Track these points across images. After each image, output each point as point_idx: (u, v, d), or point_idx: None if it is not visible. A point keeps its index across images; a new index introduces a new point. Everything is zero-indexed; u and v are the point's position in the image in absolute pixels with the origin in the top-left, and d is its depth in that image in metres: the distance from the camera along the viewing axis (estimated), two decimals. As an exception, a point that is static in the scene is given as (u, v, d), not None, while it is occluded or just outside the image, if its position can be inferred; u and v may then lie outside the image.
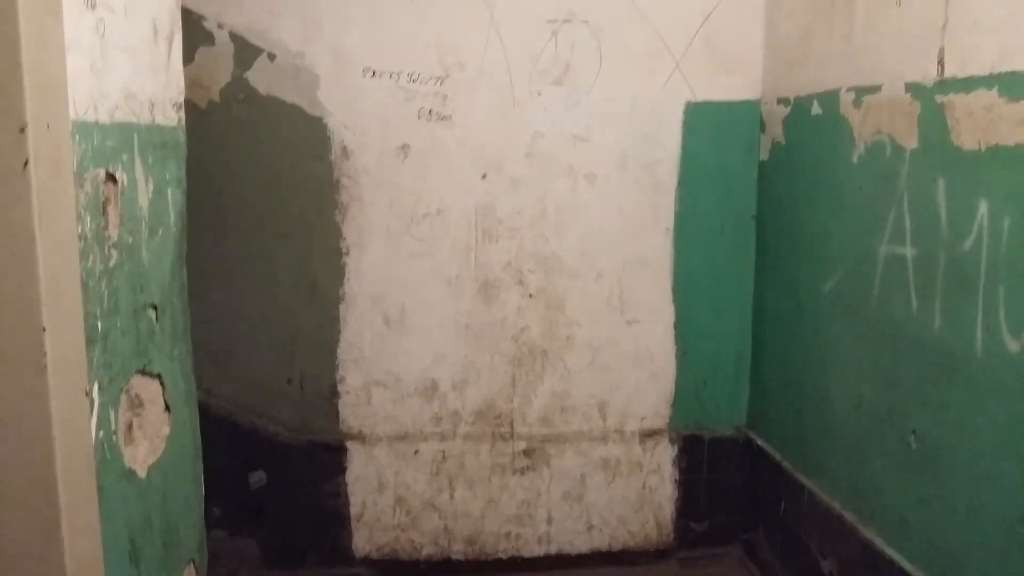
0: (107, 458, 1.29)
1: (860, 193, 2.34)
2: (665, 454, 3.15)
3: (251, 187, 2.85)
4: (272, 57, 2.81)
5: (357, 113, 2.87)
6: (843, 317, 2.45)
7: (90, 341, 1.21)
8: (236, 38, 2.78)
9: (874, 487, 2.28)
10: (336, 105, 2.86)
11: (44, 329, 1.01)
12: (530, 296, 3.03)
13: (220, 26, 2.76)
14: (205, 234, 2.56)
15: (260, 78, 2.82)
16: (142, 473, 1.43)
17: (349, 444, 3.01)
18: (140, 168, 1.40)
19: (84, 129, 1.21)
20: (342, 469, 3.01)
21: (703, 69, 2.97)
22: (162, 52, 1.52)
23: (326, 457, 3.00)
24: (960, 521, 1.92)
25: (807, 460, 2.69)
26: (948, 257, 1.96)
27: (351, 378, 2.99)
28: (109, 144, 1.29)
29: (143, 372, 1.42)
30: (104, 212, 1.28)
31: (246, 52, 2.79)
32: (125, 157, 1.35)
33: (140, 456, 1.39)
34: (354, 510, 3.03)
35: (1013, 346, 1.76)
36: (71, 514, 1.08)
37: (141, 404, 1.40)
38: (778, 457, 2.89)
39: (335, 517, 3.02)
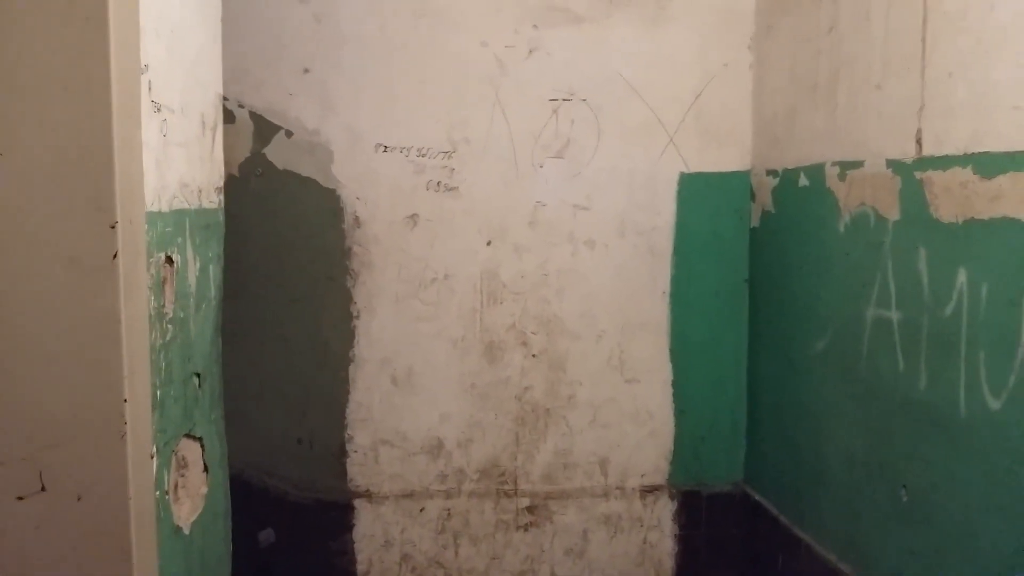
0: (161, 516, 1.38)
1: (847, 260, 2.50)
2: (665, 509, 3.24)
3: (267, 255, 2.98)
4: (289, 134, 2.97)
5: (369, 185, 3.02)
6: (834, 377, 2.58)
7: (152, 409, 1.32)
8: (256, 117, 2.95)
9: (868, 539, 2.38)
10: (349, 178, 3.02)
11: (125, 401, 1.12)
12: (533, 356, 3.15)
13: (241, 105, 2.93)
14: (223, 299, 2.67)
15: (277, 153, 2.97)
16: (186, 530, 1.52)
17: (356, 502, 3.08)
18: (190, 249, 1.52)
19: (151, 219, 1.34)
20: (349, 527, 3.08)
21: (695, 143, 3.16)
22: (208, 142, 1.66)
23: (334, 515, 3.07)
24: (950, 572, 2.03)
25: (803, 514, 2.79)
26: (931, 321, 2.10)
27: (359, 437, 3.08)
28: (168, 230, 1.42)
29: (188, 435, 1.52)
30: (163, 291, 1.40)
31: (265, 129, 2.95)
32: (179, 240, 1.47)
33: (184, 514, 1.49)
34: (361, 567, 3.09)
35: (994, 405, 1.89)
36: (139, 570, 1.17)
37: (185, 465, 1.50)
38: (775, 512, 2.99)
39: (342, 574, 3.07)
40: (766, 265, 3.10)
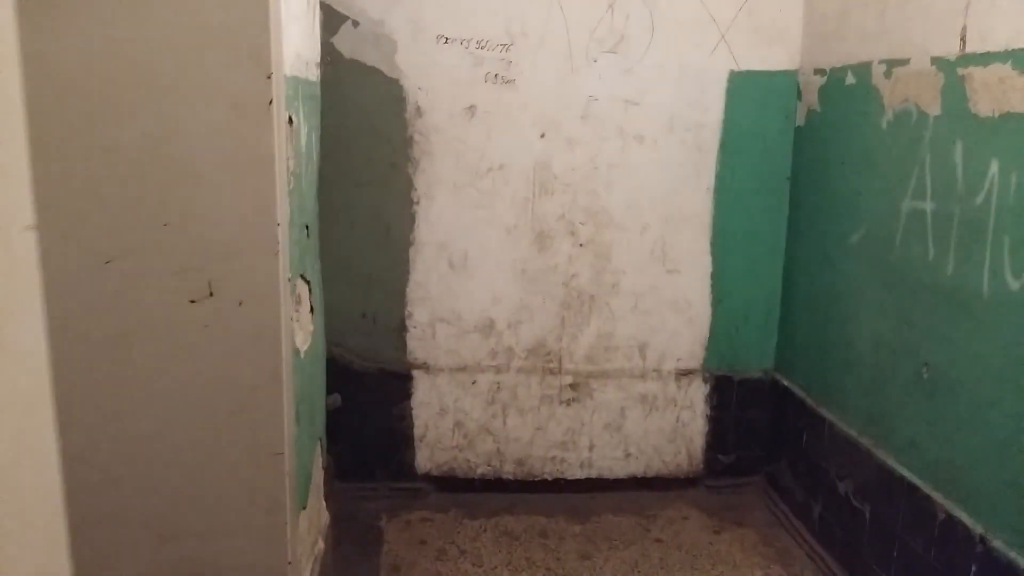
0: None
1: (887, 155, 2.63)
2: (698, 392, 3.48)
3: (335, 141, 3.16)
4: (356, 24, 3.11)
5: (430, 76, 3.17)
6: (867, 266, 2.75)
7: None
8: (324, 6, 3.08)
9: (888, 415, 2.60)
10: (411, 68, 3.16)
11: (279, 224, 1.33)
12: (580, 246, 3.34)
13: (312, -7, 3.06)
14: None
15: (345, 43, 3.12)
16: (302, 355, 1.76)
17: (415, 373, 3.35)
18: (302, 113, 1.71)
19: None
20: (408, 395, 3.36)
21: (746, 41, 3.25)
22: (311, 19, 1.83)
23: (394, 384, 3.35)
24: (963, 439, 2.24)
25: (829, 395, 3.01)
26: (963, 210, 2.25)
27: (418, 314, 3.33)
28: (289, 93, 1.61)
29: (301, 276, 1.74)
30: (288, 144, 1.59)
31: (333, 19, 3.09)
32: (295, 104, 1.66)
33: (299, 342, 1.73)
34: (418, 432, 3.39)
35: (1014, 285, 2.06)
36: (286, 366, 1.42)
37: (299, 302, 1.73)
38: (802, 395, 3.21)
39: (401, 437, 3.38)
40: (808, 163, 3.23)
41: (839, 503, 2.87)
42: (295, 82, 1.67)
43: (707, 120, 3.29)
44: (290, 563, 1.47)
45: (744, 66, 3.27)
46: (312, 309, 1.87)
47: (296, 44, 1.67)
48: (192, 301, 1.28)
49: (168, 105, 1.23)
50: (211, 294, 1.29)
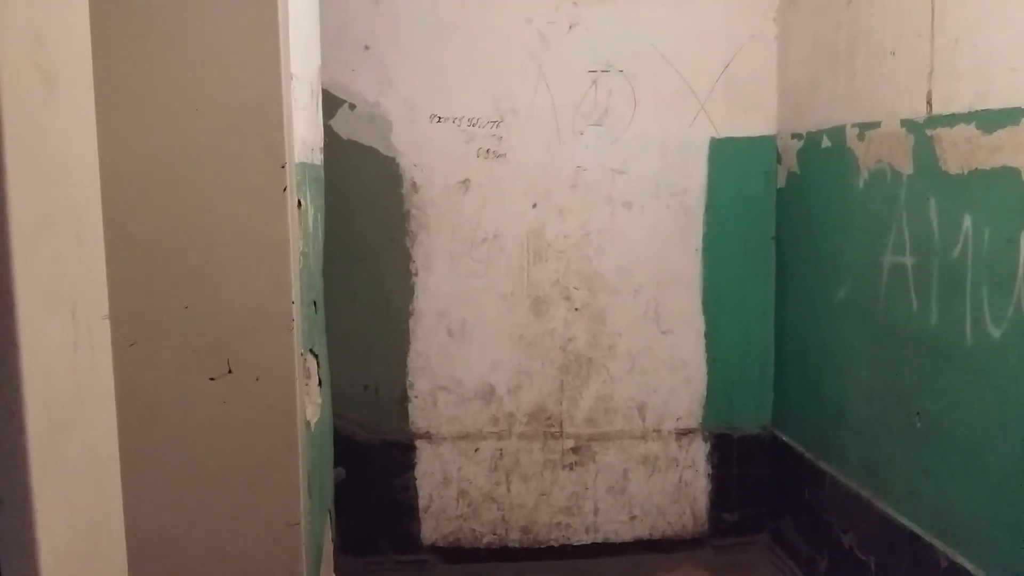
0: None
1: (866, 212, 2.75)
2: (699, 451, 3.52)
3: (335, 218, 3.26)
4: (352, 107, 3.25)
5: (425, 153, 3.30)
6: (854, 320, 2.83)
7: (291, 322, 1.61)
8: (322, 92, 3.22)
9: (886, 465, 2.65)
10: (406, 146, 3.29)
11: (293, 302, 1.41)
12: (576, 310, 3.42)
13: (309, 80, 3.21)
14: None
15: (342, 125, 3.25)
16: (312, 427, 1.82)
17: (418, 443, 3.39)
18: (309, 196, 1.81)
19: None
20: (411, 465, 3.39)
21: (724, 109, 3.40)
22: (314, 108, 1.95)
23: (397, 454, 3.38)
24: (959, 486, 2.29)
25: (827, 449, 3.06)
26: (941, 263, 2.35)
27: (419, 384, 3.39)
28: (298, 178, 1.71)
29: (311, 351, 1.82)
30: (298, 227, 1.68)
31: (330, 103, 3.23)
32: (304, 188, 1.76)
33: (309, 414, 1.79)
34: (422, 502, 3.40)
35: (995, 333, 2.14)
36: (301, 438, 1.47)
37: (309, 375, 1.79)
38: (801, 449, 3.26)
39: (405, 508, 3.39)
40: (791, 222, 3.35)
41: (844, 557, 2.89)
42: (303, 167, 1.78)
43: (691, 185, 3.41)
44: None
45: (724, 133, 3.41)
46: (320, 382, 1.94)
47: (302, 131, 1.78)
48: (211, 379, 1.35)
49: (191, 197, 1.33)
50: (230, 371, 1.36)
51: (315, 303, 1.88)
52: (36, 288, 0.57)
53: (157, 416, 1.36)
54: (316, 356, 1.91)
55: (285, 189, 1.36)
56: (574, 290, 3.42)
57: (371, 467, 3.35)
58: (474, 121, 3.31)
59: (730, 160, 3.43)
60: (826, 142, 3.01)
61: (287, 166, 1.37)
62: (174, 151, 1.30)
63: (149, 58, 1.31)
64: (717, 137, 3.42)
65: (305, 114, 1.83)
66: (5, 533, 0.61)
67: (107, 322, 0.55)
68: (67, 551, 0.64)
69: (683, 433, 3.51)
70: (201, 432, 1.37)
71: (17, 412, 0.56)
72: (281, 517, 1.45)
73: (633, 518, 3.51)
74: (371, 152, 3.27)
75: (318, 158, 2.01)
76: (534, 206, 3.37)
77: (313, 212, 1.89)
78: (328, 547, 2.14)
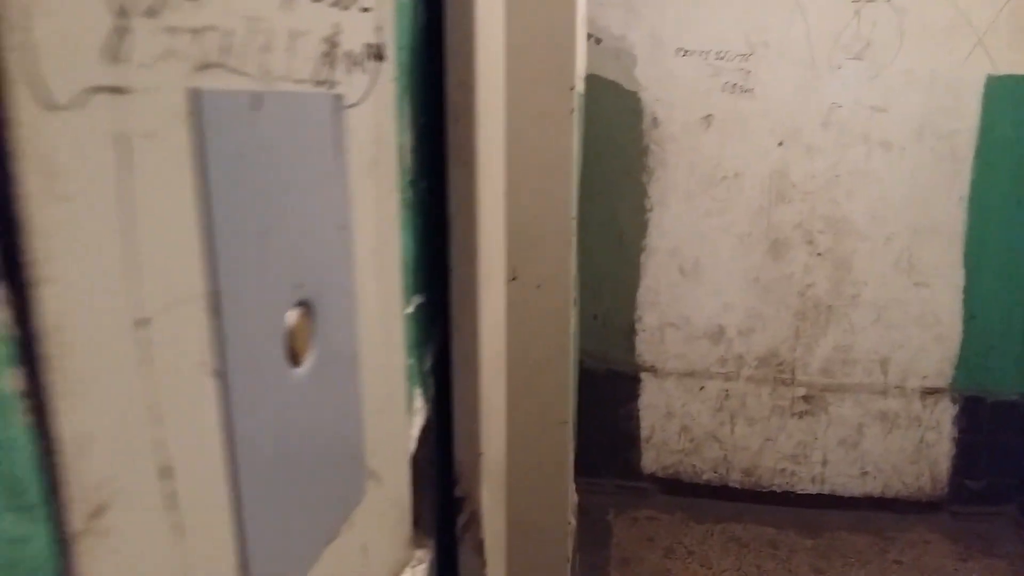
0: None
1: None
2: (945, 413, 3.29)
3: (575, 150, 3.35)
4: (598, 41, 3.28)
5: (667, 87, 3.27)
6: None
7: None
8: (572, 23, 3.28)
9: None
10: (649, 80, 3.28)
11: (572, 218, 1.51)
12: (818, 255, 3.29)
13: (560, 13, 3.27)
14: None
15: (587, 58, 3.29)
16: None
17: (643, 375, 3.45)
18: (576, 121, 1.89)
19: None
20: (636, 396, 3.46)
21: (1006, 43, 3.06)
22: (584, 39, 2.00)
23: (623, 385, 3.46)
24: None
25: (1103, 423, 2.75)
26: None
27: (647, 318, 3.43)
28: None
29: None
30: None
31: (579, 35, 3.28)
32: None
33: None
34: (644, 432, 3.47)
35: None
36: (572, 345, 1.60)
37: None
38: (1069, 421, 2.95)
39: (628, 437, 3.48)
40: (1082, 170, 2.98)
41: (1115, 540, 2.61)
42: (576, 95, 1.85)
43: (961, 127, 3.12)
44: (570, 524, 1.62)
45: (1004, 70, 3.08)
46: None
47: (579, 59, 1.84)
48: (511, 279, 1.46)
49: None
50: (514, 278, 1.47)
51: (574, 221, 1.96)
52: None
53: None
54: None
55: (572, 111, 1.43)
56: (818, 234, 3.28)
57: (596, 394, 3.45)
58: (722, 54, 3.23)
59: (1009, 101, 3.09)
60: None
61: (574, 90, 1.43)
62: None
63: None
64: (995, 74, 3.09)
65: (581, 45, 1.89)
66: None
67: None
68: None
69: (929, 392, 3.30)
70: (497, 332, 1.50)
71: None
72: (553, 415, 1.56)
73: (865, 474, 3.37)
74: (613, 86, 3.30)
75: (582, 87, 2.07)
76: (780, 144, 3.25)
77: (577, 137, 1.96)
78: (571, 456, 2.26)
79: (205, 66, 0.52)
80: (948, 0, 3.06)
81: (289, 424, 0.64)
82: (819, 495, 3.40)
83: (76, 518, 0.41)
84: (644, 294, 3.42)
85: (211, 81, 0.52)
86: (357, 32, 0.72)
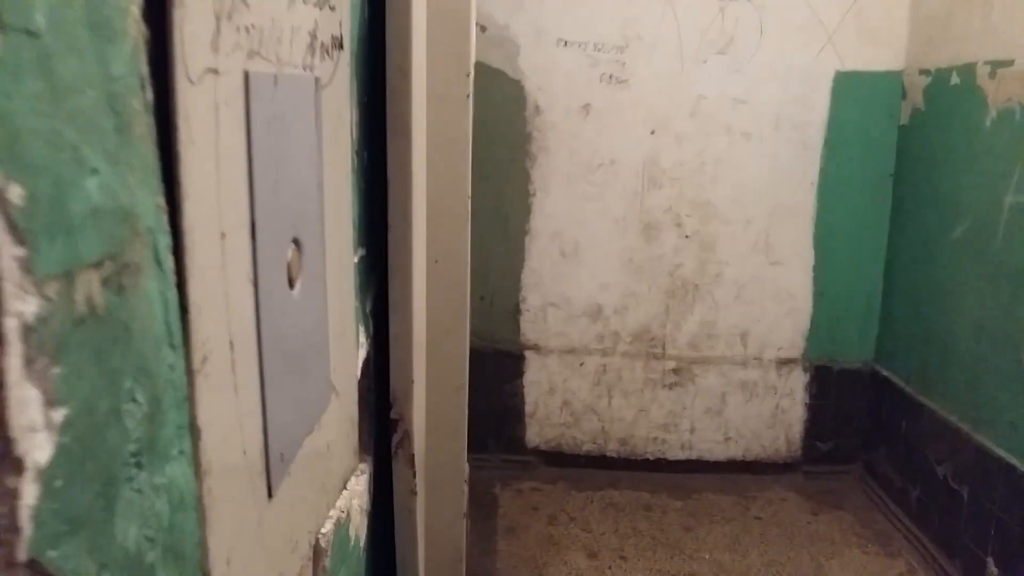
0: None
1: (990, 152, 2.73)
2: (798, 381, 3.62)
3: (460, 136, 3.46)
4: (483, 29, 3.39)
5: (549, 76, 3.42)
6: (969, 260, 2.85)
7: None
8: (455, 12, 3.38)
9: (988, 401, 2.70)
10: (532, 69, 3.42)
11: (468, 197, 1.62)
12: (686, 237, 3.53)
13: (444, 2, 3.36)
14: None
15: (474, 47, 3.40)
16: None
17: (527, 353, 3.61)
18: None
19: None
20: (520, 374, 3.62)
21: (852, 42, 3.37)
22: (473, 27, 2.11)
23: (508, 363, 3.61)
24: (1062, 421, 2.34)
25: (929, 384, 3.11)
26: (1066, 203, 2.35)
27: (531, 299, 3.59)
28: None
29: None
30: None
31: (463, 24, 3.37)
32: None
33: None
34: (528, 408, 3.64)
35: (1116, 274, 2.16)
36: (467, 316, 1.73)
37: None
38: (902, 384, 3.32)
39: (513, 413, 3.64)
40: (911, 160, 3.33)
41: (937, 487, 2.97)
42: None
43: (812, 118, 3.43)
44: (465, 482, 1.77)
45: (850, 66, 3.39)
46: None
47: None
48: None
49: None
50: (436, 262, 1.58)
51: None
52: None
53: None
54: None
55: (468, 96, 1.54)
56: (685, 217, 3.52)
57: (485, 374, 3.59)
58: (599, 46, 3.40)
59: (853, 94, 3.42)
60: (955, 79, 2.98)
61: (470, 76, 1.54)
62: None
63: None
64: (842, 70, 3.40)
65: (471, 29, 2.00)
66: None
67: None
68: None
69: (783, 363, 3.61)
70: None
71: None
72: (450, 381, 1.67)
73: (728, 439, 3.66)
74: (498, 74, 3.42)
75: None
76: (652, 133, 3.46)
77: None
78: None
79: (252, 54, 0.73)
80: (803, 1, 3.34)
81: (286, 333, 0.86)
82: (688, 460, 3.67)
83: (195, 359, 0.65)
84: (528, 275, 3.57)
85: (254, 66, 0.73)
86: (328, 26, 0.90)
